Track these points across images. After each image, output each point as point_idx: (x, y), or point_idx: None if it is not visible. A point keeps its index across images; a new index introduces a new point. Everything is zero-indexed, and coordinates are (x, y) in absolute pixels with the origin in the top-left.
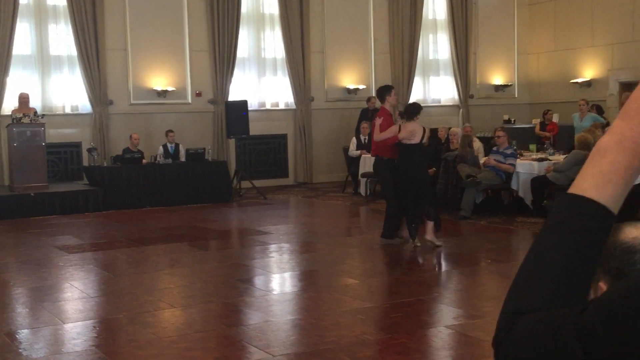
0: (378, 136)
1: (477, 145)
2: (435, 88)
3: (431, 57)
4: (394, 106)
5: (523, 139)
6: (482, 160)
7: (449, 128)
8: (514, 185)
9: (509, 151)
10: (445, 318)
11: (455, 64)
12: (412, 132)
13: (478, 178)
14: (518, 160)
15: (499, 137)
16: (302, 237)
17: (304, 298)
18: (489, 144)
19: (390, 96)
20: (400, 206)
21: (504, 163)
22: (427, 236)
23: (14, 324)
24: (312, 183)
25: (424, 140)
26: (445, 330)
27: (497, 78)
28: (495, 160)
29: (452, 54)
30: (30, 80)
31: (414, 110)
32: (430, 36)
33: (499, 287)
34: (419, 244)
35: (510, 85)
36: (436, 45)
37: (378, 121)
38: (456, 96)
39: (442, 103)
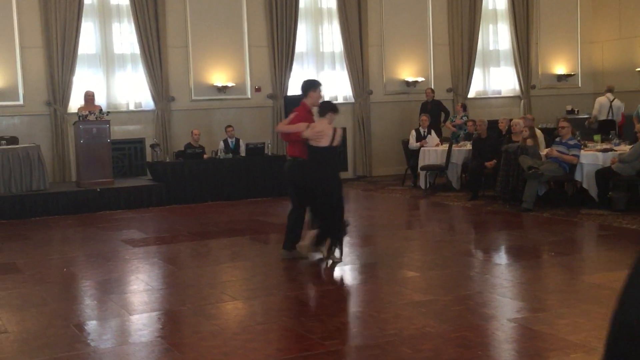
0: (281, 127)
1: (539, 135)
2: (495, 79)
3: (491, 47)
4: (315, 105)
5: (587, 130)
6: (543, 151)
7: (510, 119)
8: (577, 177)
9: (572, 142)
10: (508, 311)
11: (516, 54)
12: (319, 133)
13: (540, 170)
14: (582, 151)
15: (562, 127)
16: (362, 230)
17: (364, 291)
18: (551, 134)
19: (315, 93)
20: (301, 214)
21: (568, 154)
22: (300, 243)
23: (82, 315)
24: (372, 176)
25: (335, 143)
26: (507, 323)
27: (560, 68)
28: (558, 151)
29: (512, 44)
30: (95, 79)
31: (326, 108)
32: (491, 26)
33: (562, 280)
34: (336, 259)
35: (574, 74)
36: (496, 35)
37: (291, 115)
38: (517, 87)
39: (503, 94)
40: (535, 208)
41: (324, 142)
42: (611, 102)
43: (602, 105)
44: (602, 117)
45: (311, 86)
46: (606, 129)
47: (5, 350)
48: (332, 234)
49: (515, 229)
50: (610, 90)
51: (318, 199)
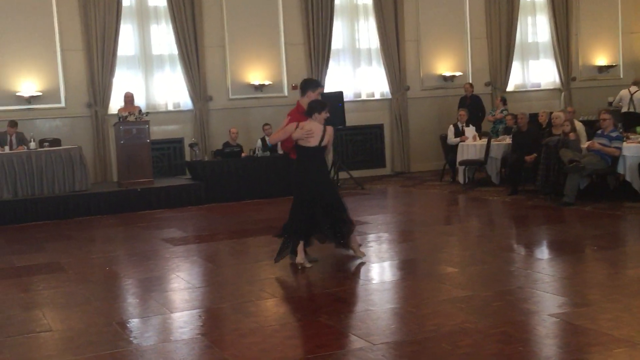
0: (273, 138)
1: (579, 128)
2: (534, 72)
3: (530, 40)
4: None
5: (630, 122)
6: (584, 144)
7: (550, 112)
8: (620, 170)
9: (614, 134)
10: (549, 306)
11: (555, 46)
12: (310, 132)
13: (582, 163)
14: (625, 143)
15: (604, 119)
16: (401, 226)
17: (403, 287)
18: (593, 127)
19: (314, 93)
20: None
21: (610, 146)
22: (297, 259)
23: (125, 313)
24: (410, 172)
25: (324, 143)
26: (549, 318)
27: (601, 59)
28: (600, 143)
29: (552, 35)
30: (134, 80)
31: (312, 109)
32: (529, 18)
33: (605, 274)
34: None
35: (615, 65)
36: (535, 27)
37: (284, 122)
38: (557, 79)
39: (543, 87)
40: (577, 202)
41: (314, 142)
42: (632, 94)
43: (621, 97)
44: (624, 109)
45: (310, 86)
46: (628, 121)
47: (50, 348)
48: (340, 231)
49: (557, 223)
50: (635, 82)
51: (318, 201)
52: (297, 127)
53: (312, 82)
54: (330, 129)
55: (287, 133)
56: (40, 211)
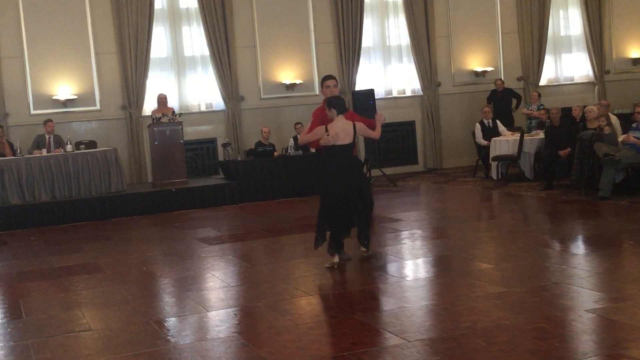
0: (301, 139)
1: (614, 122)
2: (567, 65)
3: (562, 33)
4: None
5: None
6: (620, 137)
7: (584, 106)
8: None
9: None
10: (586, 301)
11: (588, 39)
12: (336, 136)
13: (617, 157)
14: None
15: (638, 113)
16: (434, 223)
17: (437, 283)
18: (628, 120)
19: (323, 89)
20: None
21: None
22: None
23: (162, 312)
24: (442, 168)
25: (360, 133)
26: (585, 314)
27: (635, 51)
28: (635, 137)
29: (584, 28)
30: (167, 81)
31: (341, 104)
32: (561, 12)
33: None
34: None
35: None
36: (567, 20)
37: (309, 123)
38: (591, 73)
39: (576, 81)
40: (613, 196)
41: (347, 140)
42: None
43: None
44: None
45: (321, 83)
46: None
47: (90, 347)
48: (364, 228)
49: (592, 217)
50: None
51: (350, 197)
52: (326, 130)
53: (323, 78)
54: (359, 124)
55: (316, 136)
56: (78, 212)
